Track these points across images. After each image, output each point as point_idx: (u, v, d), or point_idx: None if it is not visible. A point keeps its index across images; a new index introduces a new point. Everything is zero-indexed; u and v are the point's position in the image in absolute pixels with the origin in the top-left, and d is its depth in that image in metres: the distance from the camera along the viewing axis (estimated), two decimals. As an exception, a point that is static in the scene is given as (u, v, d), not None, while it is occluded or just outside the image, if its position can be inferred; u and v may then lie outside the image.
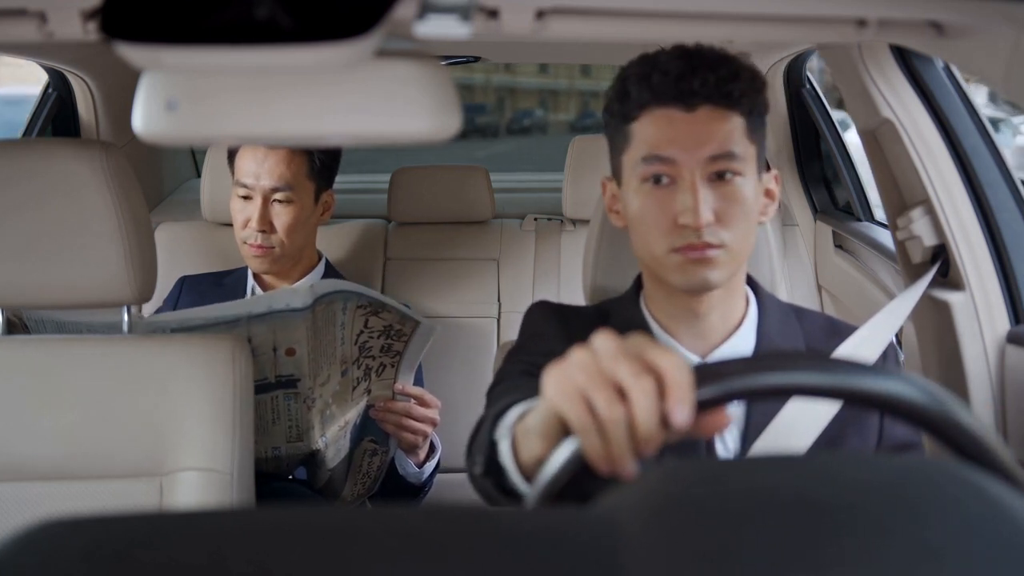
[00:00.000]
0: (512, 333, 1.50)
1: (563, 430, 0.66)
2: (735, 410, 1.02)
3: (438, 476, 1.72)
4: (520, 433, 0.75)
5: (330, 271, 1.87)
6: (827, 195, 2.26)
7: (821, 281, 2.18)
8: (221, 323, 1.37)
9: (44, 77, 2.21)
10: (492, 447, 0.80)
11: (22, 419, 1.21)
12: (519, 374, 1.01)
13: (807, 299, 2.16)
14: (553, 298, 1.82)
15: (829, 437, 1.02)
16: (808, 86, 2.17)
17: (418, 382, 1.66)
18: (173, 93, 0.65)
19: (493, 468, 0.79)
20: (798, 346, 1.07)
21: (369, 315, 1.48)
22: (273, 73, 0.65)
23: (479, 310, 2.20)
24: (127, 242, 1.24)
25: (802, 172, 2.28)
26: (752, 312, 1.07)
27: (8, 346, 1.27)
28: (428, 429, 1.61)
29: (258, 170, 1.69)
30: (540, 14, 0.86)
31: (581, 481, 0.65)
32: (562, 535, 0.37)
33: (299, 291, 1.40)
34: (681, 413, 0.61)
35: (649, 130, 0.98)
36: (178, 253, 2.10)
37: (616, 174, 1.06)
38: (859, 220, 2.04)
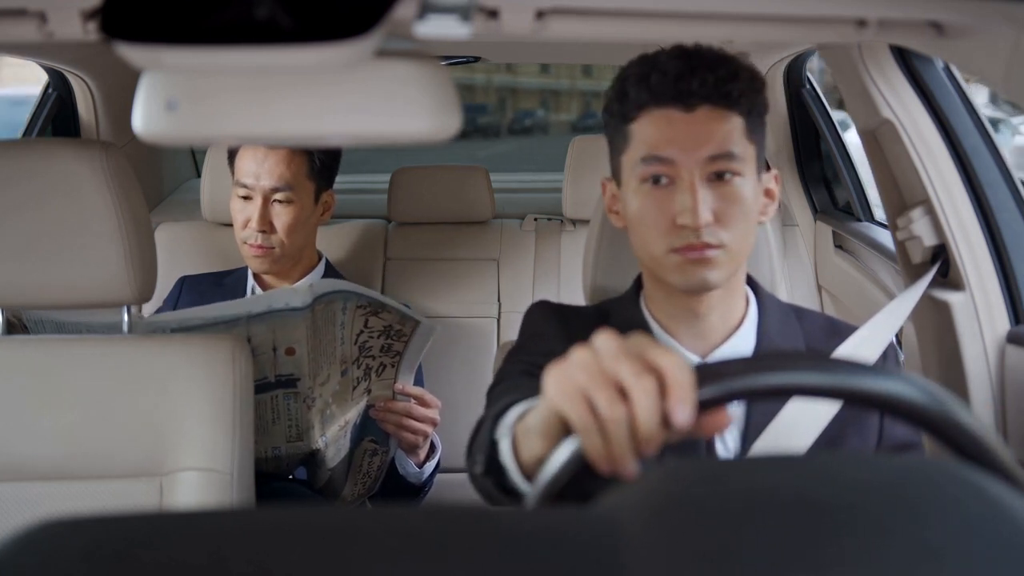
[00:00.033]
0: (512, 333, 1.50)
1: (564, 429, 0.66)
2: (735, 410, 1.02)
3: (438, 476, 1.72)
4: (521, 432, 0.75)
5: (330, 271, 1.87)
6: (827, 195, 2.26)
7: (821, 281, 2.18)
8: (220, 323, 1.37)
9: (46, 77, 2.21)
10: (493, 446, 0.80)
11: (22, 419, 1.21)
12: (519, 374, 1.01)
13: (807, 299, 2.16)
14: (553, 298, 1.82)
15: (829, 437, 1.02)
16: (808, 86, 2.17)
17: (418, 382, 1.66)
18: (173, 93, 0.65)
19: (494, 467, 0.79)
20: (798, 346, 1.07)
21: (369, 315, 1.48)
22: (273, 73, 0.65)
23: (479, 310, 2.20)
24: (127, 242, 1.24)
25: (802, 172, 2.28)
26: (752, 312, 1.07)
27: (8, 346, 1.27)
28: (428, 429, 1.61)
29: (258, 170, 1.69)
30: (540, 14, 0.86)
31: (582, 481, 0.65)
32: (563, 535, 0.37)
33: (298, 291, 1.40)
34: (682, 413, 0.61)
35: (648, 130, 0.98)
36: (178, 253, 2.10)
37: (616, 174, 1.06)
38: (859, 220, 2.04)
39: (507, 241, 2.29)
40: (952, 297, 1.32)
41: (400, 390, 1.59)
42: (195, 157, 2.83)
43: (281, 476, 1.56)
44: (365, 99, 0.66)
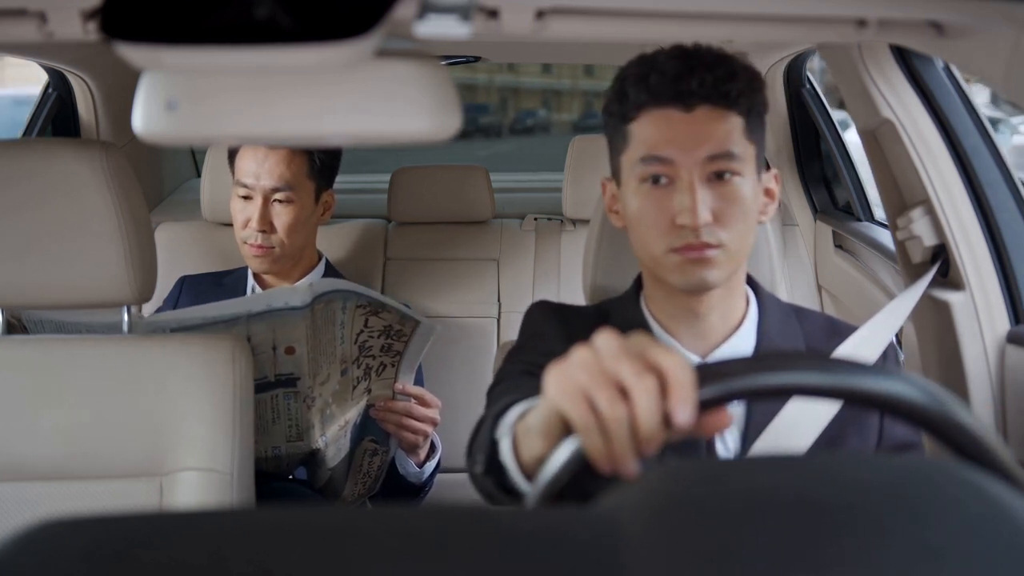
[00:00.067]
0: (512, 333, 1.50)
1: (564, 429, 0.66)
2: (735, 410, 1.02)
3: (438, 476, 1.72)
4: (521, 432, 0.75)
5: (330, 271, 1.87)
6: (827, 195, 2.26)
7: (821, 281, 2.18)
8: (220, 322, 1.37)
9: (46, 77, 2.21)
10: (493, 446, 0.80)
11: (22, 419, 1.21)
12: (519, 374, 1.01)
13: (807, 299, 2.16)
14: (553, 298, 1.82)
15: (829, 437, 1.02)
16: (808, 86, 2.17)
17: (418, 382, 1.66)
18: (173, 93, 0.65)
19: (494, 467, 0.79)
20: (798, 346, 1.07)
21: (369, 315, 1.48)
22: (273, 73, 0.65)
23: (479, 310, 2.20)
24: (127, 242, 1.24)
25: (802, 172, 2.28)
26: (752, 312, 1.07)
27: (8, 346, 1.27)
28: (428, 429, 1.61)
29: (258, 170, 1.69)
30: (540, 14, 0.86)
31: (582, 480, 0.65)
32: (563, 535, 0.37)
33: (298, 290, 1.40)
34: (683, 412, 0.61)
35: (647, 131, 0.98)
36: (178, 253, 2.10)
37: (615, 174, 1.06)
38: (859, 220, 2.04)
39: (507, 241, 2.29)
40: (952, 297, 1.32)
41: (400, 390, 1.59)
42: (195, 157, 2.83)
43: (281, 476, 1.56)
44: (365, 99, 0.66)
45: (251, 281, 1.83)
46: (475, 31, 0.70)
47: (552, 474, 0.66)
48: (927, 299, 1.34)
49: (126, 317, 1.33)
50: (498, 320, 2.20)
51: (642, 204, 1.00)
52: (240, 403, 1.24)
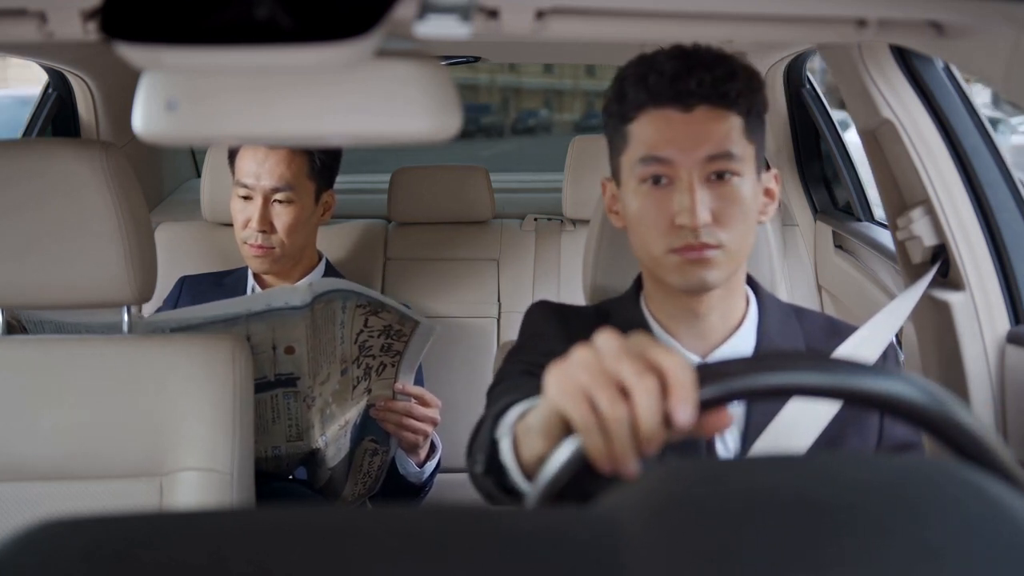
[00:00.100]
0: (512, 333, 1.50)
1: (565, 429, 0.66)
2: (735, 410, 1.02)
3: (438, 476, 1.72)
4: (521, 432, 0.75)
5: (330, 271, 1.87)
6: (827, 195, 2.26)
7: (821, 281, 2.18)
8: (220, 321, 1.37)
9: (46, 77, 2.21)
10: (493, 446, 0.80)
11: (22, 419, 1.21)
12: (519, 374, 1.01)
13: (807, 299, 2.16)
14: (553, 298, 1.82)
15: (829, 437, 1.02)
16: (808, 86, 2.17)
17: (418, 382, 1.66)
18: (173, 93, 0.65)
19: (494, 467, 0.79)
20: (798, 346, 1.07)
21: (369, 314, 1.48)
22: (273, 73, 0.65)
23: (479, 310, 2.20)
24: (127, 242, 1.24)
25: (802, 172, 2.28)
26: (752, 312, 1.07)
27: (8, 346, 1.27)
28: (429, 428, 1.61)
29: (258, 170, 1.69)
30: (540, 14, 0.86)
31: (582, 480, 0.65)
32: (563, 535, 0.37)
33: (298, 289, 1.40)
34: (684, 412, 0.61)
35: (646, 131, 0.98)
36: (178, 253, 2.10)
37: (615, 175, 1.06)
38: (859, 220, 2.04)
39: (507, 241, 2.29)
40: (952, 297, 1.32)
41: (400, 390, 1.59)
42: (195, 157, 2.83)
43: (281, 476, 1.56)
44: (365, 99, 0.66)
45: (251, 281, 1.83)
46: (475, 31, 0.70)
47: (552, 474, 0.66)
48: (927, 299, 1.34)
49: (126, 317, 1.33)
50: (498, 320, 2.20)
51: (642, 204, 1.00)
52: (240, 403, 1.24)
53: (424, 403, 1.60)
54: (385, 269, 2.23)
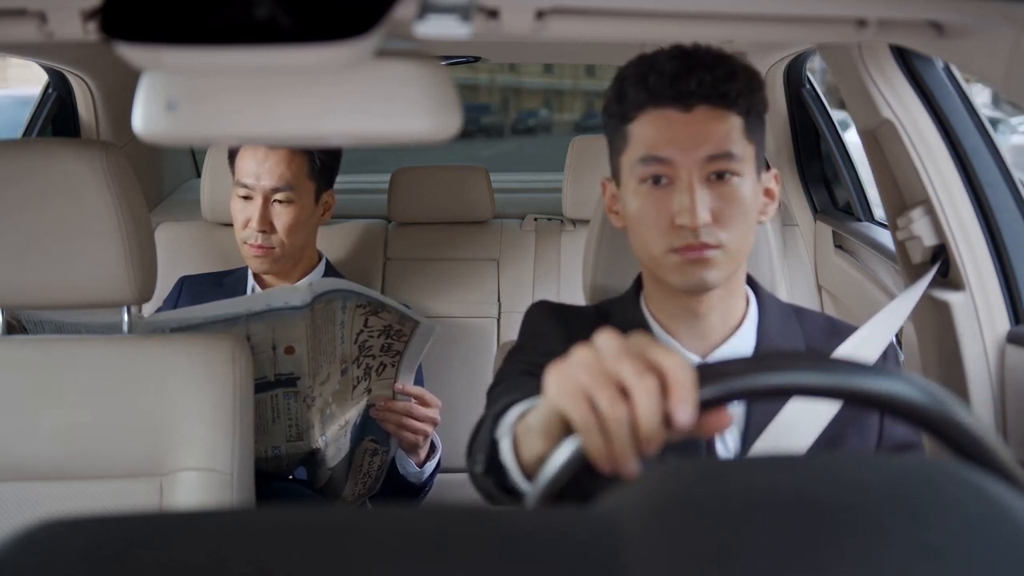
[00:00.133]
0: (512, 333, 1.50)
1: (565, 429, 0.66)
2: (735, 410, 1.02)
3: (438, 476, 1.72)
4: (521, 432, 0.75)
5: (330, 271, 1.87)
6: (827, 195, 2.26)
7: (821, 281, 2.18)
8: (219, 321, 1.37)
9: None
10: (493, 446, 0.80)
11: (22, 419, 1.21)
12: (519, 374, 1.01)
13: (807, 299, 2.16)
14: (553, 298, 1.82)
15: (829, 437, 1.02)
16: (808, 86, 2.17)
17: (418, 382, 1.66)
18: (173, 93, 0.65)
19: (494, 467, 0.79)
20: (798, 346, 1.07)
21: (369, 314, 1.48)
22: (273, 73, 0.65)
23: (479, 310, 2.20)
24: (127, 242, 1.24)
25: (802, 172, 2.28)
26: (752, 312, 1.07)
27: (8, 346, 1.27)
28: (429, 428, 1.61)
29: (259, 170, 1.69)
30: (540, 14, 0.86)
31: (582, 480, 0.65)
32: (563, 535, 0.37)
33: (298, 289, 1.40)
34: (684, 412, 0.61)
35: (646, 131, 0.98)
36: (178, 253, 2.10)
37: (615, 175, 1.06)
38: (859, 220, 2.04)
39: (507, 241, 2.29)
40: (952, 297, 1.32)
41: (400, 389, 1.59)
42: (195, 157, 2.83)
43: (281, 476, 1.56)
44: (365, 99, 0.66)
45: (251, 281, 1.83)
46: (475, 31, 0.70)
47: (552, 474, 0.66)
48: (927, 299, 1.34)
49: (126, 317, 1.33)
50: (498, 320, 2.20)
51: (642, 204, 1.00)
52: (240, 403, 1.24)
53: (424, 403, 1.60)
54: (385, 269, 2.23)
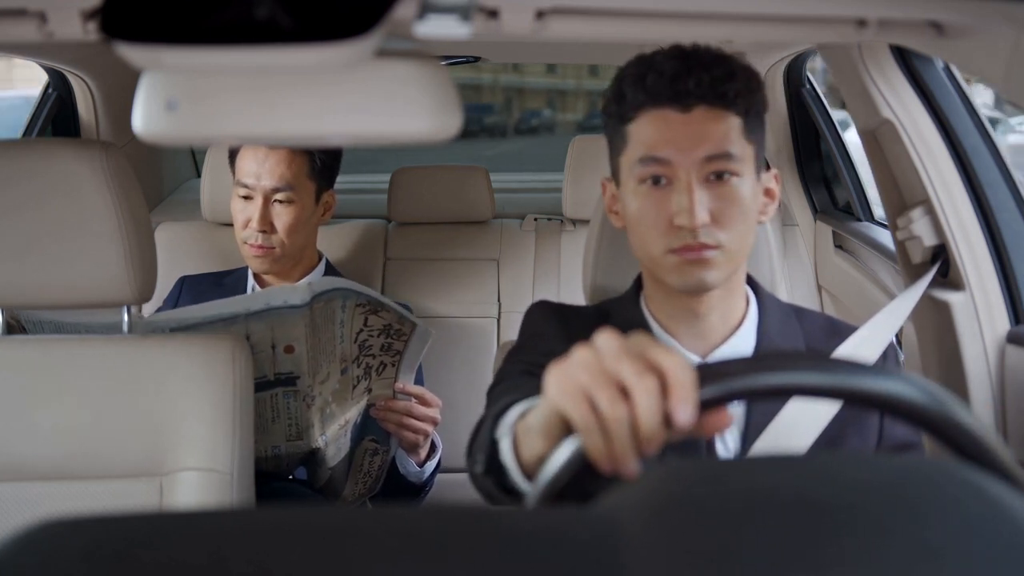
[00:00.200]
0: (512, 333, 1.50)
1: (565, 429, 0.66)
2: (735, 410, 1.02)
3: (438, 476, 1.72)
4: (521, 432, 0.75)
5: (330, 271, 1.87)
6: (827, 195, 2.26)
7: (821, 281, 2.18)
8: (219, 321, 1.37)
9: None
10: (493, 446, 0.80)
11: (22, 419, 1.21)
12: (519, 374, 1.01)
13: (807, 299, 2.16)
14: (553, 298, 1.82)
15: (829, 437, 1.02)
16: (808, 86, 2.17)
17: (418, 382, 1.66)
18: (173, 93, 0.65)
19: (494, 467, 0.79)
20: (798, 346, 1.07)
21: (368, 313, 1.48)
22: (273, 73, 0.65)
23: (479, 310, 2.20)
24: (127, 242, 1.24)
25: (802, 172, 2.28)
26: (752, 312, 1.07)
27: (8, 346, 1.27)
28: (429, 428, 1.61)
29: (259, 170, 1.69)
30: (540, 14, 0.86)
31: (582, 480, 0.65)
32: (563, 535, 0.37)
33: (297, 288, 1.40)
34: (684, 412, 0.61)
35: (645, 131, 0.98)
36: (178, 253, 2.10)
37: (615, 175, 1.06)
38: (859, 220, 2.04)
39: (507, 241, 2.29)
40: (952, 297, 1.32)
41: (401, 389, 1.59)
42: (195, 157, 2.83)
43: (281, 476, 1.56)
44: (365, 99, 0.66)
45: (251, 281, 1.83)
46: (475, 31, 0.70)
47: (552, 474, 0.66)
48: (927, 299, 1.34)
49: (126, 317, 1.33)
50: (498, 320, 2.20)
51: (641, 205, 1.00)
52: (240, 403, 1.24)
53: (424, 402, 1.60)
54: (385, 269, 2.23)
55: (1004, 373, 1.30)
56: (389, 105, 0.67)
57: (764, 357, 0.67)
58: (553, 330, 1.08)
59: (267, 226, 1.69)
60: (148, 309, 1.91)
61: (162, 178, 2.58)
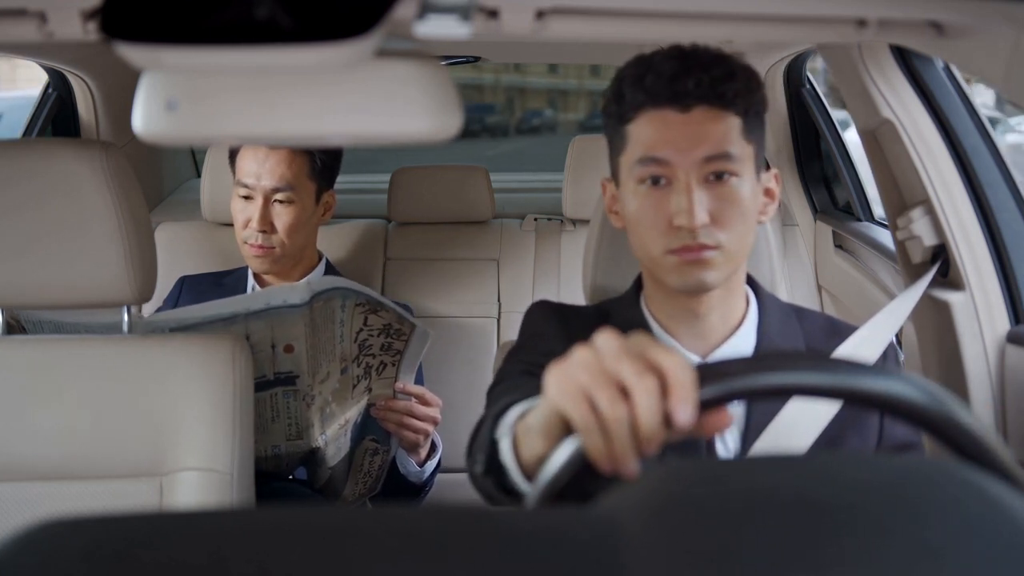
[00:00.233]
0: (512, 333, 1.50)
1: (565, 429, 0.66)
2: (735, 410, 1.02)
3: (439, 476, 1.72)
4: (521, 432, 0.75)
5: (330, 271, 1.87)
6: (827, 195, 2.26)
7: (821, 281, 2.18)
8: (219, 320, 1.37)
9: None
10: (493, 446, 0.80)
11: (22, 419, 1.21)
12: (519, 374, 1.01)
13: (807, 299, 2.16)
14: (553, 298, 1.82)
15: (829, 437, 1.02)
16: (808, 86, 2.17)
17: (418, 382, 1.66)
18: (173, 93, 0.65)
19: (494, 467, 0.79)
20: (798, 346, 1.07)
21: (368, 313, 1.48)
22: (273, 73, 0.65)
23: (479, 310, 2.20)
24: (127, 242, 1.24)
25: (802, 172, 2.28)
26: (752, 312, 1.07)
27: (7, 346, 1.27)
28: (429, 428, 1.61)
29: (259, 170, 1.69)
30: (540, 14, 0.86)
31: (582, 480, 0.65)
32: (563, 535, 0.37)
33: (297, 288, 1.40)
34: (684, 412, 0.61)
35: (644, 131, 0.98)
36: (178, 253, 2.10)
37: (615, 175, 1.06)
38: (859, 220, 2.04)
39: (507, 241, 2.29)
40: (952, 297, 1.32)
41: (401, 389, 1.59)
42: (195, 157, 2.83)
43: (281, 476, 1.56)
44: (365, 99, 0.66)
45: (251, 281, 1.83)
46: (475, 31, 0.70)
47: (552, 474, 0.66)
48: (927, 299, 1.34)
49: (126, 317, 1.33)
50: (498, 320, 2.20)
51: (640, 205, 1.00)
52: (240, 403, 1.24)
53: (425, 402, 1.60)
54: (385, 269, 2.23)
55: (1004, 373, 1.30)
56: (389, 105, 0.67)
57: (764, 357, 0.67)
58: (553, 330, 1.08)
59: (267, 226, 1.69)
60: (148, 309, 1.91)
61: (162, 178, 2.58)
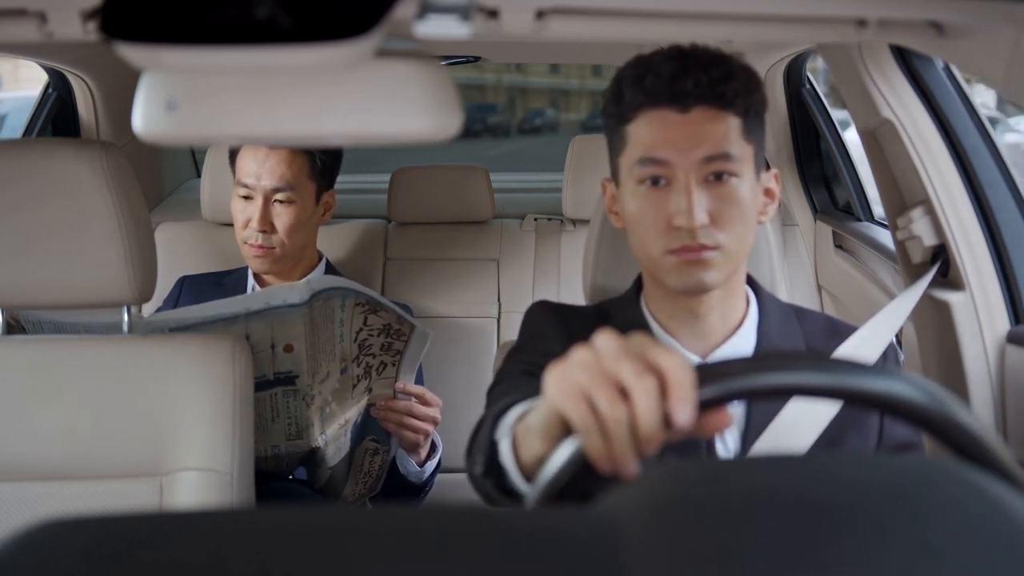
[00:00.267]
0: (512, 333, 1.50)
1: (564, 429, 0.66)
2: (735, 410, 1.02)
3: (438, 476, 1.72)
4: (521, 432, 0.75)
5: (330, 271, 1.87)
6: (827, 195, 2.26)
7: (821, 281, 2.18)
8: (219, 320, 1.37)
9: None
10: (492, 447, 0.80)
11: (22, 419, 1.21)
12: (519, 374, 1.01)
13: (807, 299, 2.16)
14: (553, 298, 1.82)
15: (829, 437, 1.02)
16: (808, 86, 2.17)
17: (418, 382, 1.66)
18: (173, 93, 0.65)
19: (493, 468, 0.79)
20: (798, 346, 1.07)
21: (368, 313, 1.48)
22: (273, 73, 0.65)
23: (479, 310, 2.20)
24: (127, 242, 1.24)
25: (802, 172, 2.28)
26: (752, 312, 1.07)
27: (7, 346, 1.27)
28: (430, 428, 1.61)
29: (259, 170, 1.69)
30: (540, 14, 0.86)
31: (582, 480, 0.65)
32: (562, 535, 0.37)
33: (296, 287, 1.40)
34: (683, 413, 0.61)
35: (644, 132, 0.98)
36: (178, 253, 2.10)
37: (614, 175, 1.06)
38: (859, 220, 2.04)
39: (507, 241, 2.29)
40: (952, 297, 1.32)
41: (401, 389, 1.59)
42: (195, 157, 2.83)
43: (281, 476, 1.56)
44: (365, 99, 0.66)
45: (251, 281, 1.83)
46: (475, 31, 0.70)
47: (552, 474, 0.66)
48: (927, 299, 1.34)
49: (126, 317, 1.33)
50: (498, 320, 2.20)
51: (640, 205, 1.00)
52: (240, 403, 1.24)
53: (425, 402, 1.60)
54: (385, 269, 2.23)
55: (1004, 373, 1.30)
56: (389, 105, 0.67)
57: (764, 357, 0.67)
58: (553, 330, 1.08)
59: (267, 226, 1.69)
60: (148, 309, 1.91)
61: (162, 178, 2.58)
